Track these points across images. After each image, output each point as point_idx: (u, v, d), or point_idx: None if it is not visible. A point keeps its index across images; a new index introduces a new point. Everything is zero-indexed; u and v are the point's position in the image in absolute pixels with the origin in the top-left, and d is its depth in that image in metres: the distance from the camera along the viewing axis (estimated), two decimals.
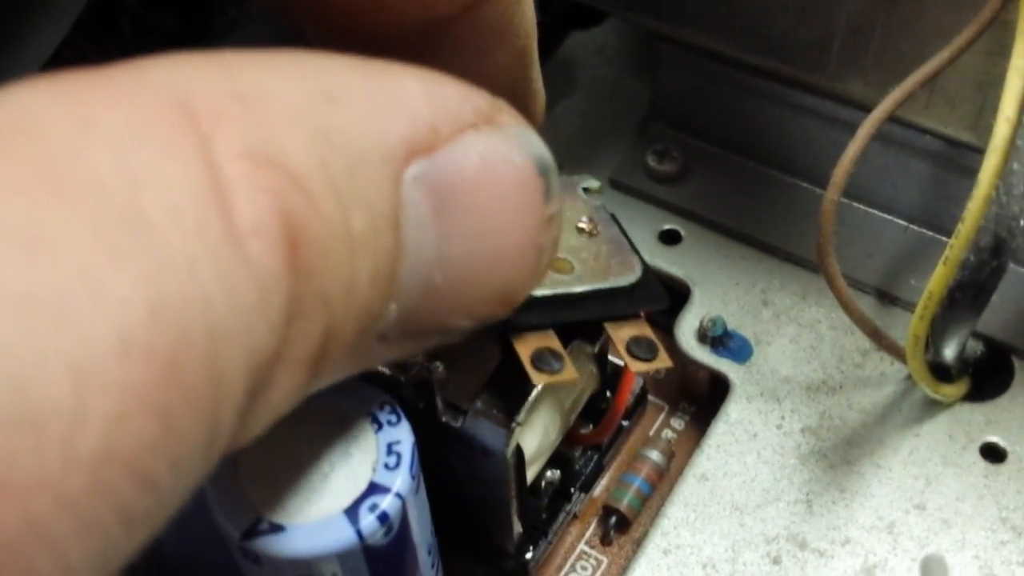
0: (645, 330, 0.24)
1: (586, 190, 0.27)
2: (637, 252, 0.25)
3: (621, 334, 0.24)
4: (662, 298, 0.25)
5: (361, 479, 0.24)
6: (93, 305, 0.12)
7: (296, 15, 0.24)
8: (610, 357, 0.32)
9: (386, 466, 0.24)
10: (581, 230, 0.25)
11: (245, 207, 0.14)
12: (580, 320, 0.24)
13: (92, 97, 0.14)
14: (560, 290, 0.23)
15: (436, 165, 0.17)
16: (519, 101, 0.26)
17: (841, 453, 0.34)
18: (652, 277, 0.25)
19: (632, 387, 0.33)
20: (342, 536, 0.23)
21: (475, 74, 0.24)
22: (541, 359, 0.23)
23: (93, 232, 0.12)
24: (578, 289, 0.23)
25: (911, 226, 0.39)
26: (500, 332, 0.23)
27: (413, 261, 0.17)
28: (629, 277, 0.24)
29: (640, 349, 0.24)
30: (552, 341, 0.23)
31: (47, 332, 0.12)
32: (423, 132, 0.17)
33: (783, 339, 0.36)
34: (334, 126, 0.16)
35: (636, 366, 0.24)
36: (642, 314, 0.25)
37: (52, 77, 0.14)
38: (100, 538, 0.12)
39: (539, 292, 0.23)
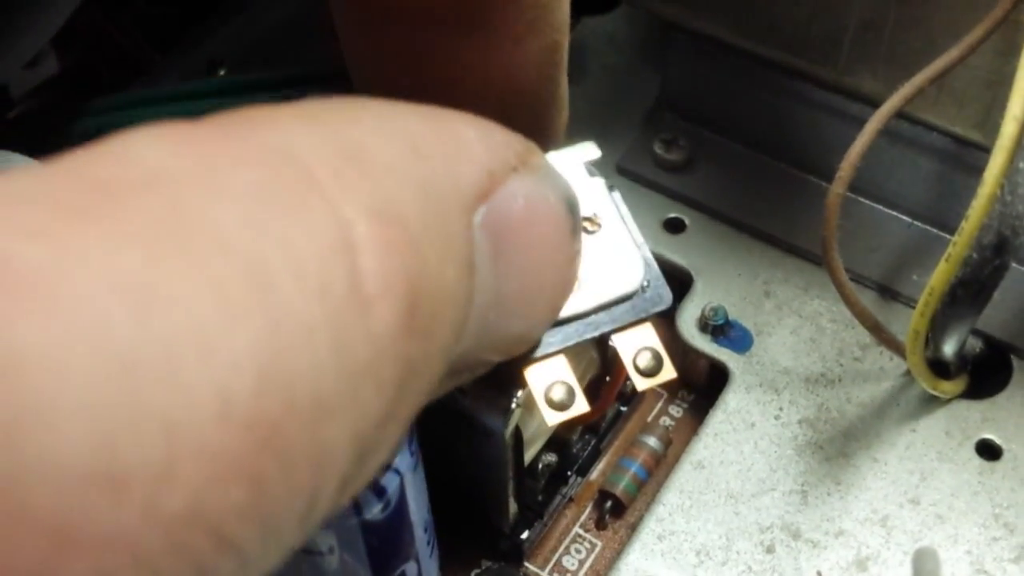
0: (651, 339, 0.24)
1: (589, 172, 0.26)
2: (639, 240, 0.25)
3: (628, 346, 0.24)
4: (667, 297, 0.24)
5: None
6: (200, 365, 0.12)
7: None
8: (610, 343, 0.32)
9: None
10: (584, 228, 0.25)
11: (375, 268, 0.14)
12: (588, 339, 0.24)
13: (214, 153, 0.13)
14: (570, 312, 0.23)
15: (493, 209, 0.17)
16: (545, 107, 0.25)
17: (838, 445, 0.34)
18: (656, 272, 0.25)
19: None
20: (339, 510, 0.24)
21: (505, 64, 0.24)
22: (554, 393, 0.23)
23: (212, 290, 0.12)
24: (586, 307, 0.23)
25: (915, 222, 0.39)
26: (514, 365, 0.23)
27: (478, 304, 0.17)
28: (633, 281, 0.24)
29: (646, 361, 0.24)
30: (564, 372, 0.23)
31: (147, 389, 0.11)
32: (485, 178, 0.17)
33: (784, 330, 0.37)
34: (427, 179, 0.16)
35: (642, 384, 0.24)
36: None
37: (167, 128, 0.13)
38: None
39: None
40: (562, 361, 0.23)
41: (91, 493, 0.11)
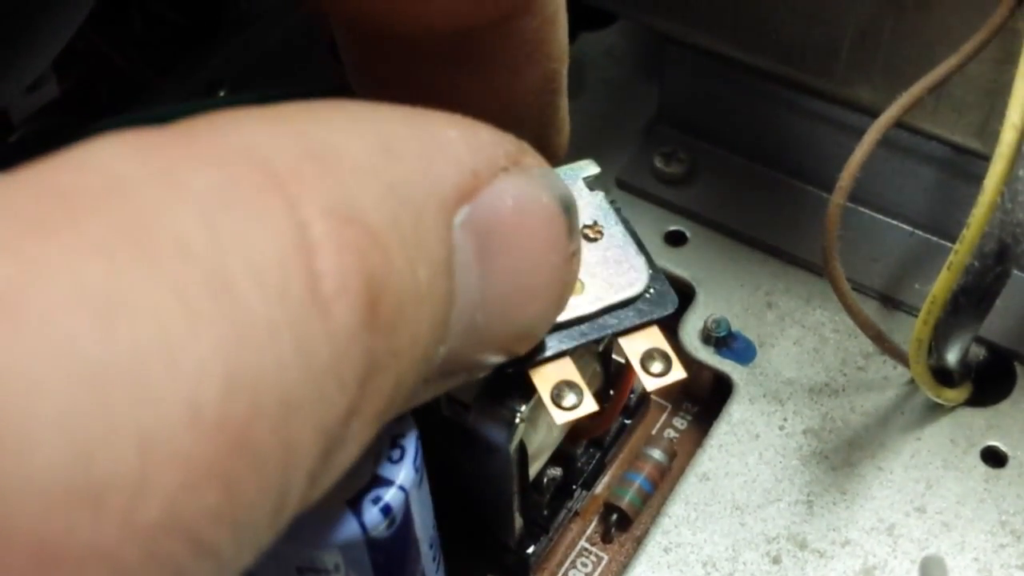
0: (658, 341, 0.24)
1: (590, 186, 0.26)
2: (643, 249, 0.25)
3: (635, 348, 0.24)
4: (671, 300, 0.24)
5: (365, 471, 0.24)
6: (168, 374, 0.12)
7: (329, 16, 0.24)
8: (614, 356, 0.32)
9: (390, 459, 0.25)
10: (586, 236, 0.25)
11: (331, 268, 0.14)
12: (594, 340, 0.24)
13: (176, 157, 0.13)
14: (574, 315, 0.23)
15: (477, 209, 0.17)
16: (544, 130, 0.26)
17: (843, 455, 0.34)
18: (660, 277, 0.25)
19: (634, 384, 0.33)
20: (345, 528, 0.24)
21: (504, 93, 0.24)
22: (561, 394, 0.23)
23: (175, 297, 0.12)
24: (590, 310, 0.23)
25: (916, 231, 0.39)
26: (519, 366, 0.23)
27: (461, 304, 0.17)
28: (637, 285, 0.24)
29: (655, 363, 0.24)
30: (570, 372, 0.23)
31: (118, 401, 0.11)
32: (467, 178, 0.17)
33: (787, 341, 0.37)
34: (398, 179, 0.16)
35: (652, 384, 0.24)
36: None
37: (130, 134, 0.13)
38: None
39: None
40: (568, 363, 0.23)
41: (70, 507, 0.11)
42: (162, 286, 0.12)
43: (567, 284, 0.21)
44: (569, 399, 0.23)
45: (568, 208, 0.19)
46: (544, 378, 0.23)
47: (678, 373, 0.24)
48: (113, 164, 0.13)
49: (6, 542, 0.11)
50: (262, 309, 0.13)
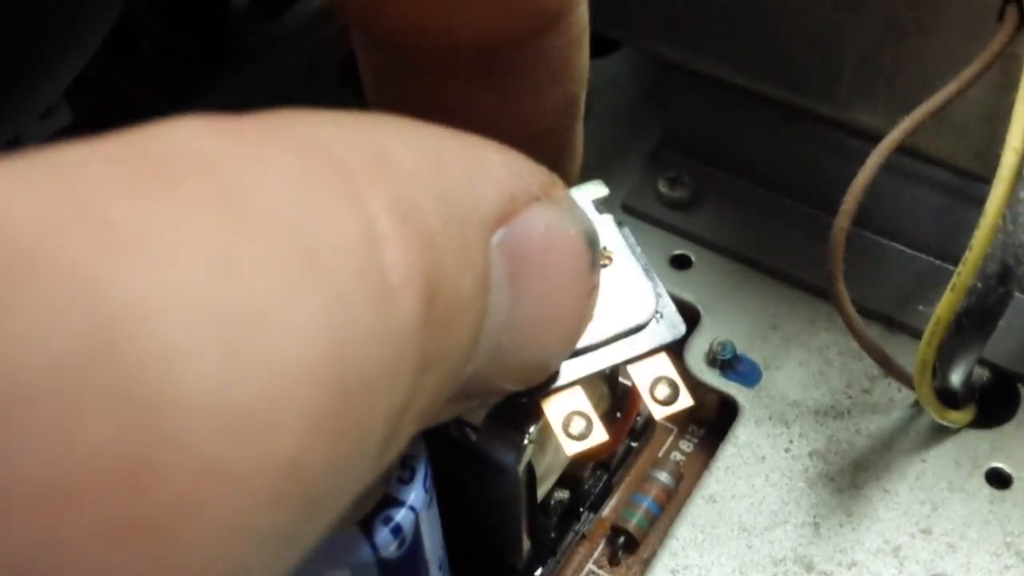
0: (666, 368, 0.24)
1: (599, 208, 0.26)
2: (651, 274, 0.25)
3: (643, 375, 0.24)
4: (679, 327, 0.25)
5: (376, 491, 0.24)
6: (283, 328, 0.12)
7: (352, 27, 0.24)
8: (620, 379, 0.32)
9: (400, 479, 0.25)
10: None
11: (397, 261, 0.14)
12: (603, 370, 0.24)
13: (255, 141, 0.14)
14: (584, 343, 0.23)
15: (512, 233, 0.18)
16: (560, 154, 0.26)
17: (848, 477, 0.34)
18: (668, 303, 0.25)
19: (640, 406, 0.34)
20: (356, 548, 0.24)
21: (526, 114, 0.24)
22: (571, 424, 0.23)
23: (275, 258, 0.13)
24: (600, 338, 0.23)
25: (919, 254, 0.39)
26: (530, 395, 0.23)
27: (491, 324, 0.17)
28: (645, 312, 0.24)
29: (663, 391, 0.24)
30: (581, 402, 0.23)
31: (246, 343, 0.12)
32: (506, 201, 0.18)
33: (792, 364, 0.37)
34: (447, 191, 0.16)
35: (659, 412, 0.24)
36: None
37: (207, 118, 0.14)
38: (259, 549, 0.12)
39: None
40: (578, 392, 0.24)
41: (224, 431, 0.11)
42: (263, 247, 0.12)
43: (585, 318, 0.21)
44: (580, 429, 0.23)
45: (592, 243, 0.20)
46: (555, 407, 0.23)
47: (686, 401, 0.24)
48: (197, 140, 0.13)
49: (167, 461, 0.11)
50: (348, 287, 0.13)
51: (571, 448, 0.23)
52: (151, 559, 0.11)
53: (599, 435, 0.23)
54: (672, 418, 0.38)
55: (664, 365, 0.24)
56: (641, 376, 0.24)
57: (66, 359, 0.10)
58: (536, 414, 0.27)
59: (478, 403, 0.20)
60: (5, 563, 0.10)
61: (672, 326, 0.24)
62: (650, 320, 0.24)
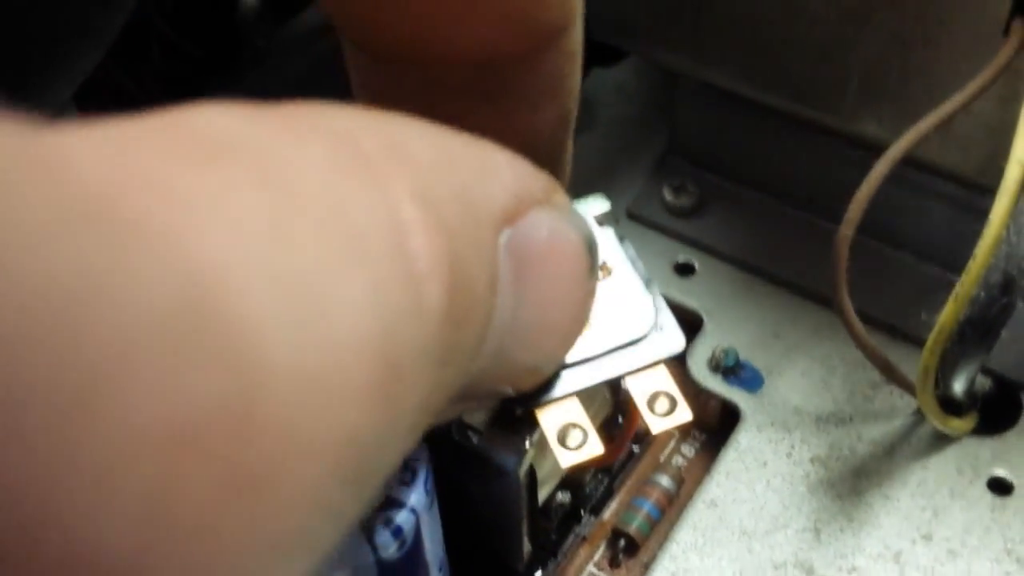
0: (665, 381, 0.24)
1: (600, 222, 0.27)
2: (651, 287, 0.25)
3: (641, 388, 0.24)
4: (679, 340, 0.24)
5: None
6: (338, 301, 0.12)
7: (343, 34, 0.24)
8: (623, 385, 0.32)
9: (401, 481, 0.25)
10: None
11: (422, 249, 0.14)
12: (600, 383, 0.24)
13: (283, 124, 0.14)
14: (581, 355, 0.23)
15: (517, 234, 0.18)
16: (550, 169, 0.26)
17: (850, 483, 0.34)
18: (668, 315, 0.25)
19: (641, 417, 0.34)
20: (356, 549, 0.24)
21: (519, 128, 0.24)
22: (567, 436, 0.23)
23: (324, 236, 0.13)
24: (598, 351, 0.23)
25: (923, 262, 0.39)
26: (526, 405, 0.23)
27: (495, 325, 0.17)
28: (644, 325, 0.24)
29: (661, 403, 0.24)
30: (577, 414, 0.23)
31: (310, 316, 0.12)
32: (512, 202, 0.18)
33: (794, 371, 0.37)
34: (463, 186, 0.16)
35: (657, 425, 0.24)
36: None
37: (228, 104, 0.14)
38: (322, 522, 0.13)
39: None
40: (575, 403, 0.23)
41: (300, 398, 0.12)
42: (314, 225, 0.13)
43: (581, 323, 0.21)
44: (575, 441, 0.23)
45: (591, 248, 0.20)
46: (550, 419, 0.23)
47: (684, 415, 0.24)
48: (225, 122, 0.13)
49: (255, 430, 0.11)
50: (385, 270, 0.13)
51: (566, 460, 0.23)
52: (250, 512, 0.11)
53: (595, 447, 0.23)
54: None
55: (663, 378, 0.24)
56: (639, 388, 0.24)
57: (169, 314, 0.10)
58: (537, 420, 0.27)
59: (474, 405, 0.20)
60: (136, 505, 0.10)
61: (671, 339, 0.24)
62: (649, 333, 0.24)
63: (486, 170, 0.17)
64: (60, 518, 0.10)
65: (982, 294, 0.29)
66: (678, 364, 0.36)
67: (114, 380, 0.10)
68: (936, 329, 0.30)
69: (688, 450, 0.38)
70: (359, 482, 0.13)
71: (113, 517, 0.10)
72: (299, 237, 0.12)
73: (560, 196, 0.20)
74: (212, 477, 0.11)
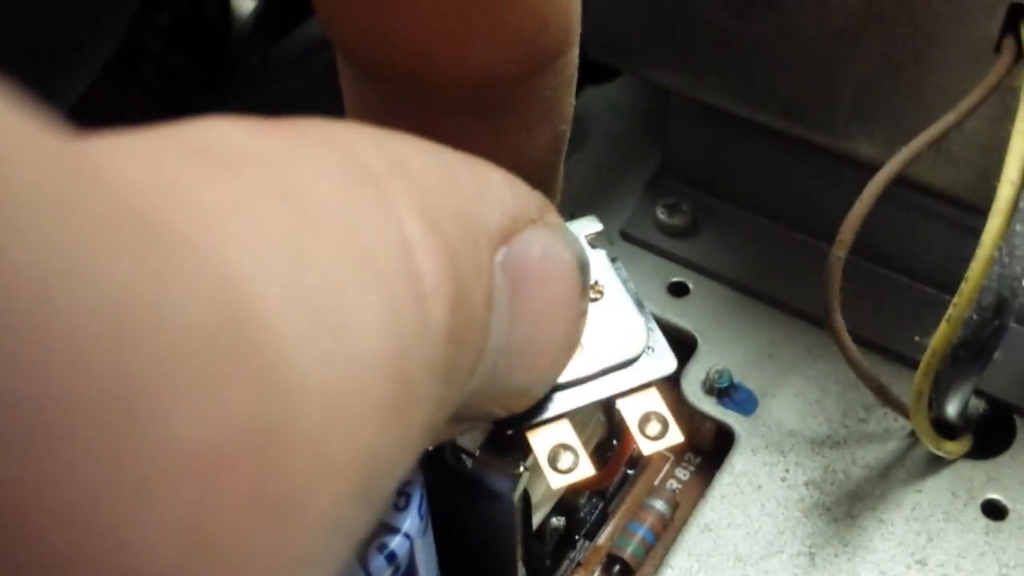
0: (656, 403, 0.24)
1: (592, 243, 0.26)
2: (642, 308, 0.25)
3: (632, 410, 0.24)
4: (670, 362, 0.24)
5: None
6: (355, 318, 0.12)
7: (339, 50, 0.24)
8: (617, 407, 0.32)
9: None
10: None
11: (428, 267, 0.14)
12: (591, 404, 0.24)
13: (290, 138, 0.14)
14: (573, 376, 0.23)
15: (512, 253, 0.18)
16: (543, 189, 0.26)
17: (844, 507, 0.34)
18: (659, 337, 0.25)
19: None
20: (350, 575, 0.24)
21: (514, 150, 0.24)
22: (558, 457, 0.23)
23: (339, 252, 0.13)
24: (589, 372, 0.23)
25: (916, 284, 0.39)
26: (518, 427, 0.23)
27: (490, 344, 0.17)
28: (635, 347, 0.24)
29: (652, 425, 0.24)
30: (568, 435, 0.23)
31: (330, 334, 0.12)
32: (508, 222, 0.18)
33: (789, 393, 0.37)
34: (462, 205, 0.16)
35: (648, 448, 0.24)
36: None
37: (235, 118, 0.14)
38: (337, 540, 0.13)
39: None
40: (566, 425, 0.23)
41: (325, 416, 0.12)
42: (328, 241, 0.13)
43: (572, 345, 0.21)
44: (566, 463, 0.23)
45: (584, 269, 0.20)
46: (541, 441, 0.23)
47: (675, 437, 0.24)
48: (236, 136, 0.13)
49: (284, 445, 0.11)
50: (396, 287, 0.13)
51: (556, 482, 0.23)
52: (277, 534, 0.11)
53: (586, 469, 0.23)
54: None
55: (654, 400, 0.24)
56: (630, 410, 0.24)
57: (208, 332, 0.10)
58: (524, 444, 0.27)
59: (465, 428, 0.20)
60: (175, 523, 0.10)
61: (663, 361, 0.24)
62: (640, 355, 0.24)
63: (484, 189, 0.17)
64: (104, 527, 0.10)
65: (975, 316, 0.29)
66: (672, 386, 0.36)
67: (159, 396, 0.10)
68: (929, 351, 0.30)
69: (683, 473, 0.37)
70: (373, 500, 0.13)
71: (153, 531, 0.10)
72: (315, 252, 0.12)
73: (553, 216, 0.20)
74: (243, 499, 0.11)
